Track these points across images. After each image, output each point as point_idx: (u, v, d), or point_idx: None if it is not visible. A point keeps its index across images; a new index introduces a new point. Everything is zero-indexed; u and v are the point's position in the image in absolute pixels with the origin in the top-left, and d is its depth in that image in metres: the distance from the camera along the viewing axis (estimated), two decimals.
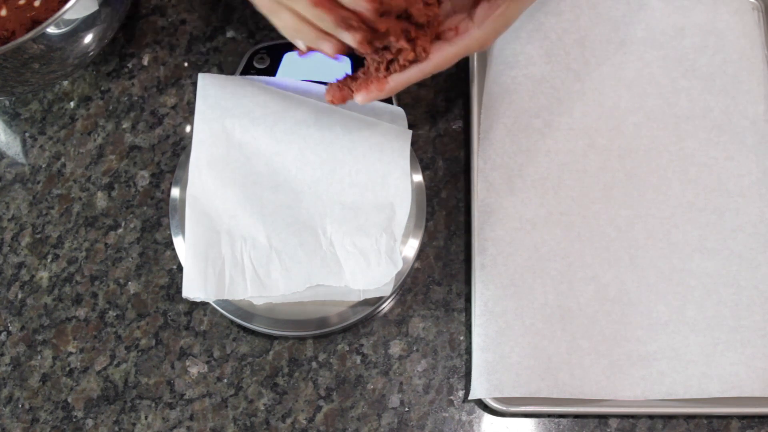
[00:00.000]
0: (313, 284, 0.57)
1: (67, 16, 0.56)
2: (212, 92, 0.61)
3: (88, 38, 0.61)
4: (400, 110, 0.62)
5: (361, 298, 0.58)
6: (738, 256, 0.60)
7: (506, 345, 0.57)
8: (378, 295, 0.58)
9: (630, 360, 0.58)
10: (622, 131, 0.63)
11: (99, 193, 0.65)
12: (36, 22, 0.59)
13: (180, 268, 0.62)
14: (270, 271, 0.57)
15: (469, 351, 0.60)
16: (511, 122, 0.63)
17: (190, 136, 0.66)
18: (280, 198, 0.59)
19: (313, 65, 0.65)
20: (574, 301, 0.59)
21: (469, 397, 0.58)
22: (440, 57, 0.51)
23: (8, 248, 0.64)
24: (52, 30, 0.56)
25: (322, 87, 0.62)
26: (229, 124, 0.60)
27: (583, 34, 0.65)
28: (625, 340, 0.58)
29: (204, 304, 0.62)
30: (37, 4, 0.62)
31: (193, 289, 0.57)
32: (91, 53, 0.64)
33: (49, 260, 0.63)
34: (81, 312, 0.62)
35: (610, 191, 0.62)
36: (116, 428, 0.59)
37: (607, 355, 0.58)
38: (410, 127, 0.62)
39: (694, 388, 0.57)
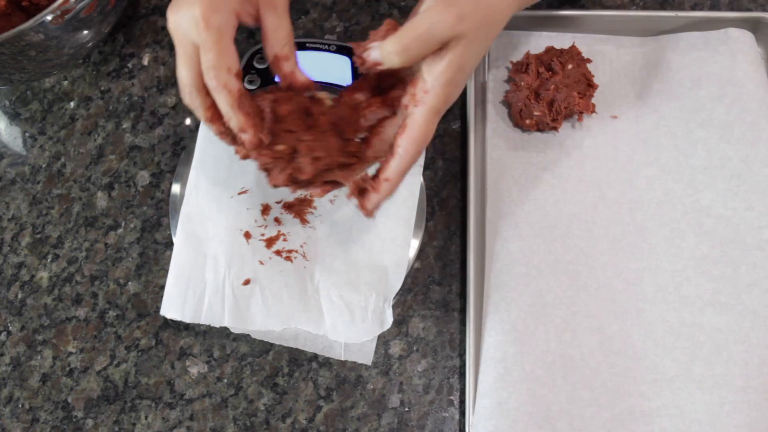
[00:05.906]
0: (291, 326, 0.58)
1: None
2: None
3: (85, 30, 0.62)
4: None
5: (343, 359, 0.59)
6: (752, 312, 0.58)
7: (504, 390, 0.56)
8: (359, 361, 0.59)
9: (632, 415, 0.56)
10: (634, 184, 0.62)
11: (99, 193, 0.65)
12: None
13: None
14: (250, 304, 0.58)
15: (469, 351, 0.60)
16: (519, 174, 0.63)
17: (190, 135, 0.66)
18: None
19: (313, 66, 0.65)
20: (577, 350, 0.57)
21: None
22: (409, 140, 0.48)
23: (8, 248, 0.64)
24: (49, 18, 0.57)
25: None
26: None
27: (599, 90, 0.65)
28: (629, 394, 0.56)
29: None
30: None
31: (171, 309, 0.57)
32: (88, 45, 0.64)
33: (49, 260, 0.63)
34: (81, 312, 0.62)
35: (619, 244, 0.61)
36: (116, 428, 0.59)
37: (609, 408, 0.56)
38: None
39: None
